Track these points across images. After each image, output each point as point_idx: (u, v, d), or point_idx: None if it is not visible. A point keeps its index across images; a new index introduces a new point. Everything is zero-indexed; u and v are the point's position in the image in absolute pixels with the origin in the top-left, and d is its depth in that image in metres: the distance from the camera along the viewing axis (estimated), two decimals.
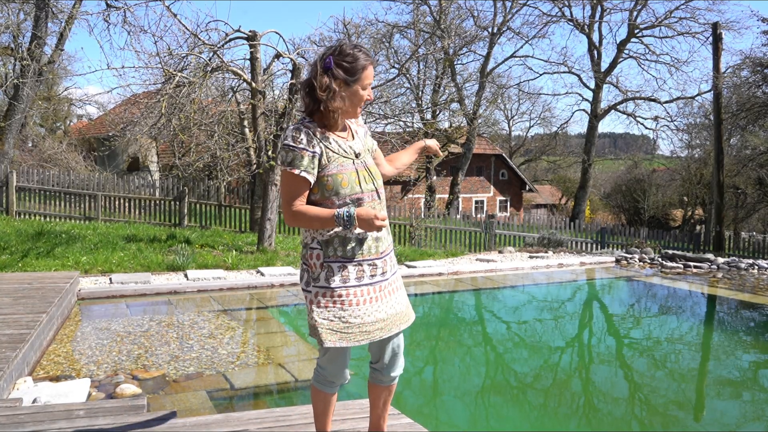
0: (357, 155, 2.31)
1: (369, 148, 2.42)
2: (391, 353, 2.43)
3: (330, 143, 2.25)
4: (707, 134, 28.36)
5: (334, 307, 2.23)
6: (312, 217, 2.18)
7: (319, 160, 2.21)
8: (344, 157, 2.26)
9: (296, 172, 2.17)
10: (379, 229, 2.16)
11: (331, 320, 2.23)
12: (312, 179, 2.20)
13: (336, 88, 2.19)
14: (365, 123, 2.56)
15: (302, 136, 2.19)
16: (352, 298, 2.24)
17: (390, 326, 2.33)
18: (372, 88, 2.43)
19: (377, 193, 2.32)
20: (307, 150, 2.18)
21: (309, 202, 2.24)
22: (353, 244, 2.24)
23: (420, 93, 23.84)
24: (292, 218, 2.20)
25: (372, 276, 2.29)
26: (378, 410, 2.53)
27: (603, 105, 27.83)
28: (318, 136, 2.23)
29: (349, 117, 2.34)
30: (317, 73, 2.20)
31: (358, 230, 2.23)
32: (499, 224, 15.49)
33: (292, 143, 2.18)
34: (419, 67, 23.74)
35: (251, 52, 9.63)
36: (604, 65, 27.34)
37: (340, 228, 2.18)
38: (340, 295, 2.23)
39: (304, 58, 9.95)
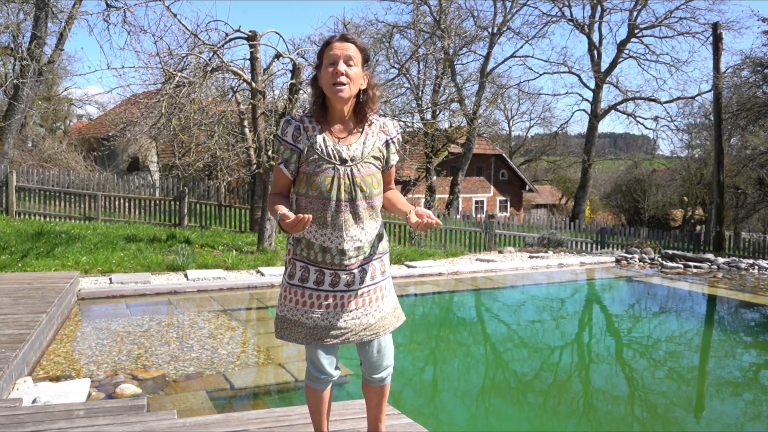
0: (343, 161, 2.20)
1: (376, 157, 2.27)
2: (372, 356, 2.38)
3: (316, 142, 2.20)
4: (707, 134, 28.35)
5: (290, 303, 2.28)
6: (272, 207, 2.16)
7: (299, 156, 2.22)
8: (323, 159, 2.18)
9: (278, 161, 2.26)
10: (291, 230, 2.00)
11: (284, 315, 2.28)
12: (287, 172, 2.24)
13: (319, 78, 2.23)
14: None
15: (290, 129, 2.22)
16: (306, 299, 2.25)
17: (349, 335, 2.27)
18: None
19: (353, 205, 2.20)
20: (288, 143, 2.22)
21: (295, 196, 2.31)
22: (316, 251, 2.23)
23: (420, 93, 23.82)
24: (268, 202, 2.26)
25: (333, 285, 2.25)
26: (373, 411, 2.52)
27: (603, 105, 27.82)
28: (308, 132, 2.21)
29: (339, 103, 2.20)
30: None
31: (321, 239, 2.21)
32: (499, 224, 15.50)
33: (279, 134, 2.25)
34: (419, 67, 23.72)
35: (251, 52, 9.63)
36: (604, 65, 27.36)
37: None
38: (296, 294, 2.26)
39: (304, 58, 9.96)
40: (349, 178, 2.20)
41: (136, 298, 6.94)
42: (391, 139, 2.33)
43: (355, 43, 2.18)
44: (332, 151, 2.20)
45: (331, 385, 2.45)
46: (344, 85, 2.14)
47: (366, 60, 2.22)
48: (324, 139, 2.21)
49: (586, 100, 28.46)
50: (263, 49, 10.08)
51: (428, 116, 23.79)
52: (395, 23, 22.91)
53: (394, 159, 2.35)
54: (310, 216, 2.00)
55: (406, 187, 28.73)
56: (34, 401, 3.58)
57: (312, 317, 2.25)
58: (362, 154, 2.24)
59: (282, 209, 2.07)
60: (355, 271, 2.26)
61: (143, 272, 8.07)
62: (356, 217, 2.22)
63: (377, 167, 2.27)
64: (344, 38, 2.18)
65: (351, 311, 2.27)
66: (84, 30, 26.26)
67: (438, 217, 16.63)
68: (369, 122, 2.30)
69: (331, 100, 2.21)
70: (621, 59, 27.04)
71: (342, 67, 2.12)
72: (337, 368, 2.40)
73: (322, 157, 2.19)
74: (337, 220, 2.20)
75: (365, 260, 2.28)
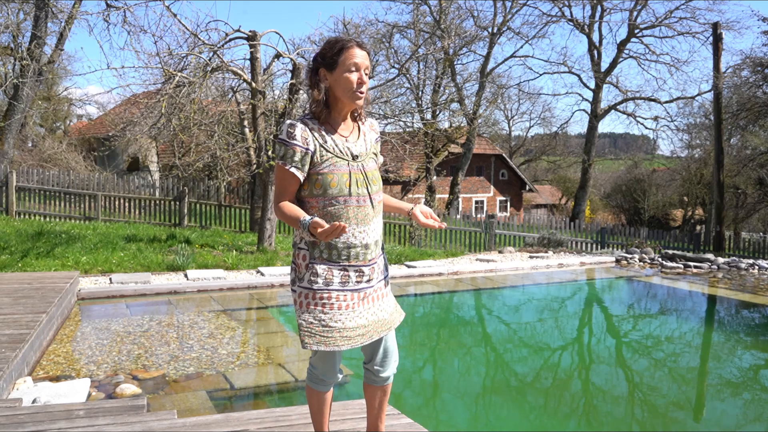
0: (354, 157, 2.25)
1: (375, 153, 2.36)
2: (382, 354, 2.41)
3: (326, 141, 2.22)
4: (707, 134, 28.36)
5: (315, 309, 2.21)
6: (288, 215, 2.16)
7: (312, 158, 2.20)
8: (338, 157, 2.22)
9: (286, 166, 2.19)
10: (326, 238, 2.01)
11: (311, 323, 2.21)
12: (301, 175, 2.20)
13: (321, 77, 2.22)
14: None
15: (297, 131, 2.19)
16: (333, 302, 2.21)
17: (371, 333, 2.29)
18: (371, 88, 2.40)
19: (370, 198, 2.26)
20: (299, 146, 2.18)
21: (298, 197, 2.25)
22: (340, 249, 2.22)
23: (420, 93, 23.81)
24: (276, 211, 2.23)
25: (357, 282, 2.26)
26: (374, 411, 2.51)
27: (603, 105, 27.82)
28: (314, 133, 2.21)
29: (348, 106, 2.25)
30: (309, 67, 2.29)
31: (344, 236, 2.21)
32: (499, 224, 15.49)
33: (285, 138, 2.20)
34: (419, 67, 23.71)
35: (251, 52, 9.63)
36: (604, 65, 27.36)
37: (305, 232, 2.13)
38: (321, 298, 2.21)
39: (304, 58, 9.95)
40: (362, 173, 2.25)
41: (136, 298, 6.94)
42: (378, 136, 2.43)
43: (368, 51, 2.24)
44: (343, 148, 2.25)
45: (333, 385, 2.45)
46: (363, 93, 2.22)
47: None
48: (333, 138, 2.25)
49: (586, 100, 28.50)
50: (263, 49, 10.09)
51: (428, 116, 23.79)
52: (395, 23, 22.90)
53: (381, 158, 2.45)
54: (345, 225, 1.99)
55: (406, 187, 28.74)
56: (34, 401, 3.58)
57: (341, 319, 2.22)
58: (366, 149, 2.32)
59: (303, 215, 2.10)
60: (374, 265, 2.30)
61: (143, 272, 8.06)
62: (374, 210, 2.28)
63: (376, 163, 2.36)
64: (361, 46, 2.20)
65: (370, 308, 2.29)
66: (84, 30, 26.25)
67: (438, 216, 16.62)
68: (362, 120, 2.37)
69: (340, 101, 2.24)
70: (621, 59, 27.05)
71: (365, 77, 2.20)
72: (339, 369, 2.41)
73: (335, 154, 2.22)
74: (359, 214, 2.23)
75: (379, 254, 2.34)
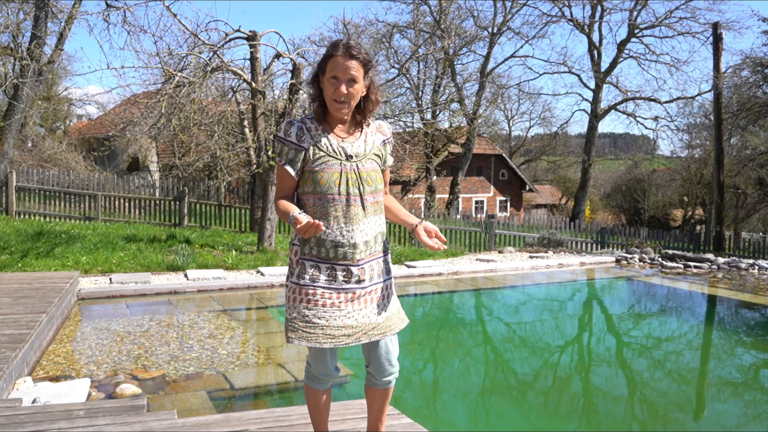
0: (348, 157, 2.26)
1: (377, 155, 2.34)
2: (380, 358, 2.39)
3: (320, 140, 2.25)
4: (707, 134, 28.38)
5: (300, 304, 2.25)
6: (281, 211, 2.21)
7: (305, 155, 2.24)
8: (330, 156, 2.24)
9: (281, 163, 2.26)
10: (303, 234, 2.03)
11: (294, 317, 2.25)
12: (293, 172, 2.24)
13: (320, 80, 2.25)
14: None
15: (293, 129, 2.25)
16: (318, 299, 2.23)
17: (359, 335, 2.27)
18: None
19: (361, 199, 2.27)
20: (293, 143, 2.24)
21: (297, 195, 2.31)
22: (328, 247, 2.24)
23: (420, 93, 23.83)
24: (275, 208, 2.28)
25: (345, 281, 2.26)
26: (374, 413, 2.51)
27: (603, 105, 27.82)
28: (311, 132, 2.26)
29: (335, 111, 2.23)
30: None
31: (332, 234, 2.23)
32: (499, 224, 15.49)
33: (282, 135, 2.27)
34: (419, 67, 23.72)
35: (251, 52, 9.63)
36: (604, 65, 27.36)
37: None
38: (307, 294, 2.24)
39: (304, 58, 9.96)
40: (355, 173, 2.26)
41: (136, 298, 6.94)
42: (387, 139, 2.42)
43: (359, 59, 2.19)
44: (337, 148, 2.26)
45: (330, 384, 2.45)
46: (344, 103, 2.21)
47: (368, 70, 2.24)
48: (328, 138, 2.27)
49: (586, 100, 28.51)
50: (263, 49, 10.09)
51: (428, 116, 23.80)
52: (395, 23, 22.92)
53: (390, 159, 2.44)
54: (321, 223, 2.02)
55: (406, 187, 28.73)
56: (34, 401, 3.58)
57: (324, 316, 2.23)
58: (365, 150, 2.31)
59: (294, 211, 2.13)
60: (365, 266, 2.29)
61: (143, 272, 8.06)
62: (365, 211, 2.28)
63: (378, 164, 2.35)
64: (349, 53, 2.17)
65: (361, 309, 2.28)
66: (84, 30, 26.25)
67: (438, 217, 16.65)
68: (367, 122, 2.37)
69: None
70: (621, 59, 27.06)
71: (344, 88, 2.18)
72: (336, 368, 2.41)
73: (328, 153, 2.24)
74: (348, 214, 2.24)
75: (373, 256, 2.32)
